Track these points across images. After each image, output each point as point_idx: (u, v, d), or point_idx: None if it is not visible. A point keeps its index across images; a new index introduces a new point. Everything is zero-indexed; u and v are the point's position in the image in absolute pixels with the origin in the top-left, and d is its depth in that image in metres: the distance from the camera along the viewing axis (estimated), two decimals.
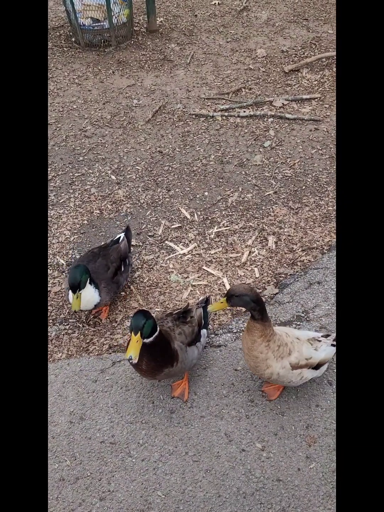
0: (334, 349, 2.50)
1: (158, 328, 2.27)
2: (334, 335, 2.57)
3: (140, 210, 3.90)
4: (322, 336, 2.53)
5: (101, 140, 4.65)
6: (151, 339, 2.23)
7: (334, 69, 5.38)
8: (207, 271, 3.38)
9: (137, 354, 2.13)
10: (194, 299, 3.19)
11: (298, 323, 3.00)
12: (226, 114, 4.86)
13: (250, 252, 3.50)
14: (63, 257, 3.55)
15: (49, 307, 3.20)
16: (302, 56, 5.72)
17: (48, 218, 3.87)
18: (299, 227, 3.67)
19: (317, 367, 2.46)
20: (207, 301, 2.80)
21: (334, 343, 2.51)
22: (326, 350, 2.46)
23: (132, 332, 2.14)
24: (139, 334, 2.14)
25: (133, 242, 3.60)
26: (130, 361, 2.16)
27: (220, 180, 4.14)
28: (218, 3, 6.91)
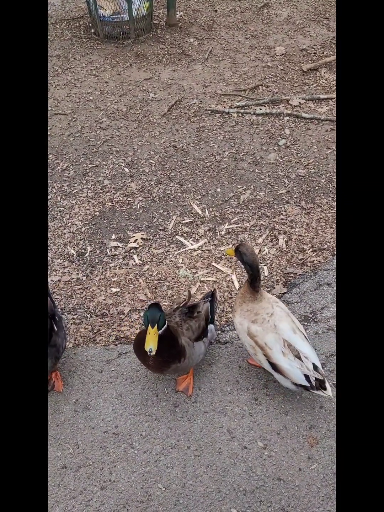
0: (288, 384, 2.41)
1: (166, 322, 2.28)
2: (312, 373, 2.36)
3: (152, 203, 3.91)
4: (310, 367, 2.36)
5: (116, 133, 4.66)
6: (160, 331, 2.24)
7: None
8: (216, 267, 3.38)
9: (156, 346, 2.15)
10: (202, 294, 3.19)
11: (306, 323, 2.99)
12: (242, 111, 4.84)
13: (260, 250, 3.49)
14: (74, 247, 3.57)
15: (58, 296, 3.22)
16: (321, 55, 5.67)
17: (61, 208, 3.89)
18: (311, 228, 3.65)
19: (274, 367, 2.40)
20: (212, 295, 2.76)
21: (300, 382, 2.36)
22: (290, 369, 2.34)
23: (150, 325, 2.16)
24: (155, 326, 2.17)
25: (144, 236, 3.62)
26: (150, 353, 2.17)
27: (233, 177, 4.13)
28: None
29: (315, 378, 2.34)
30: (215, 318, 3.04)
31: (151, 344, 2.14)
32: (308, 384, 2.34)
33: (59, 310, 3.14)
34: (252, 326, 2.41)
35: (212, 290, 2.81)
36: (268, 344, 2.38)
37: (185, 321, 2.50)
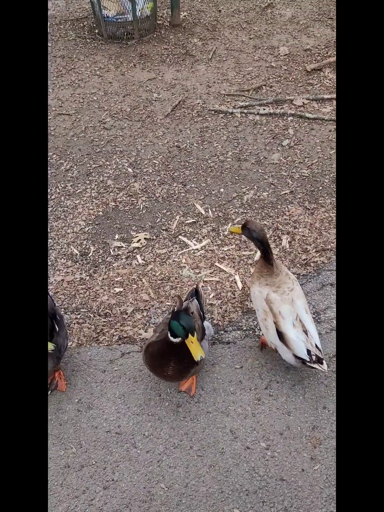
0: (288, 356, 2.50)
1: None
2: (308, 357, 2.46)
3: (155, 204, 3.91)
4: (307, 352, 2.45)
5: (119, 133, 4.66)
6: (178, 339, 2.21)
7: None
8: (219, 267, 3.38)
9: (203, 352, 2.15)
10: (205, 295, 3.19)
11: None
12: (245, 111, 4.83)
13: None
14: (77, 247, 3.58)
15: (61, 296, 3.23)
16: (325, 55, 5.66)
17: (64, 208, 3.90)
18: (314, 228, 3.64)
19: (281, 337, 2.48)
20: (196, 292, 2.70)
21: (303, 358, 2.45)
22: (296, 340, 2.44)
23: (189, 335, 2.13)
24: (195, 334, 2.15)
25: (147, 236, 3.62)
26: (201, 360, 2.17)
27: (237, 177, 4.13)
28: None
29: (316, 355, 2.44)
30: (218, 318, 3.04)
31: (199, 353, 2.13)
32: (308, 359, 2.43)
33: (62, 310, 3.15)
34: (272, 294, 2.50)
35: (195, 287, 2.75)
36: (282, 313, 2.47)
37: None
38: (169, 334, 2.24)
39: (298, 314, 2.48)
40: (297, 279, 2.68)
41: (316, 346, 2.46)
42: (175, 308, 2.49)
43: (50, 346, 2.32)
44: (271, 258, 2.49)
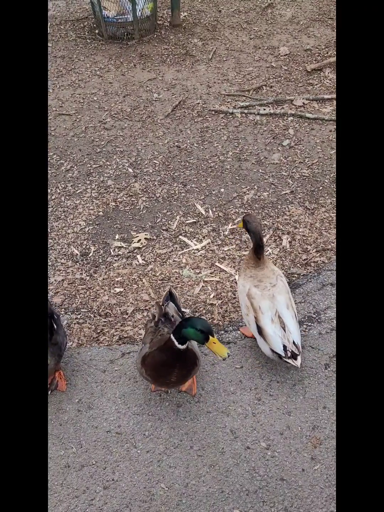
0: (266, 349, 2.59)
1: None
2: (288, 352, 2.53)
3: (156, 204, 3.91)
4: (288, 347, 2.52)
5: (120, 133, 4.67)
6: (185, 346, 2.21)
7: None
8: (220, 267, 3.38)
9: (227, 350, 2.17)
10: (205, 295, 3.20)
11: (309, 324, 2.98)
12: (245, 111, 4.83)
13: None
14: (78, 247, 3.58)
15: (61, 296, 3.23)
16: (325, 55, 5.66)
17: (64, 208, 3.90)
18: (315, 228, 3.64)
19: (260, 331, 2.57)
20: (171, 295, 2.68)
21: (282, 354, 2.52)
22: (273, 335, 2.52)
23: (210, 336, 2.12)
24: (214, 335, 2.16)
25: (148, 236, 3.62)
26: (228, 357, 2.19)
27: (237, 177, 4.13)
28: None
29: (291, 350, 2.53)
30: (218, 318, 3.04)
31: (225, 350, 2.12)
32: (283, 354, 2.52)
33: (62, 310, 3.15)
34: (253, 289, 2.60)
35: (169, 290, 2.71)
36: (261, 308, 2.56)
37: (166, 330, 2.44)
38: (176, 343, 2.18)
39: (277, 310, 2.56)
40: (283, 275, 2.75)
41: (294, 342, 2.54)
42: (155, 314, 2.52)
43: None
44: (261, 252, 2.59)
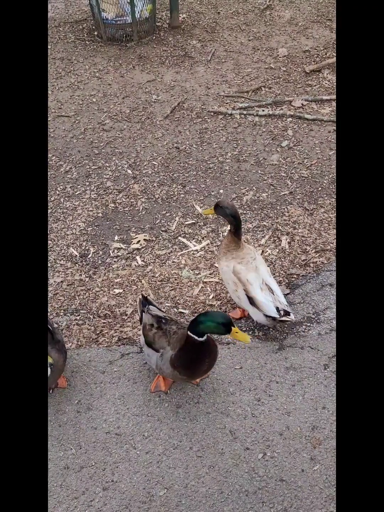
0: (260, 317, 2.78)
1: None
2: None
3: (155, 205, 3.92)
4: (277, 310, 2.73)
5: (119, 134, 4.67)
6: (204, 337, 2.29)
7: None
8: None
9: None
10: (205, 296, 3.20)
11: (308, 324, 2.98)
12: (244, 112, 4.84)
13: (263, 251, 3.49)
14: (77, 248, 3.58)
15: (61, 297, 3.23)
16: (324, 56, 5.67)
17: (64, 210, 3.91)
18: (314, 228, 3.65)
19: (251, 301, 2.76)
20: (146, 300, 2.71)
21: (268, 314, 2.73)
22: (265, 302, 2.72)
23: (232, 327, 2.22)
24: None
25: (147, 237, 3.62)
26: (251, 341, 2.42)
27: (236, 178, 4.14)
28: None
29: (284, 309, 2.73)
30: None
31: (248, 337, 2.27)
32: (277, 316, 2.72)
33: (62, 311, 3.15)
34: (238, 266, 2.79)
35: (143, 296, 2.73)
36: (249, 280, 2.76)
37: (173, 326, 2.50)
38: (196, 338, 2.27)
39: (263, 279, 2.78)
40: (258, 250, 3.00)
41: (282, 302, 2.76)
42: (153, 322, 2.56)
43: (49, 360, 2.33)
44: (240, 234, 2.79)
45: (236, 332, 2.23)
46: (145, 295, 2.76)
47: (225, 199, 2.94)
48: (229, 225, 2.79)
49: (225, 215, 2.76)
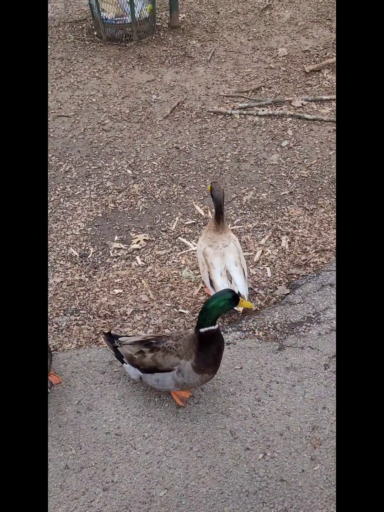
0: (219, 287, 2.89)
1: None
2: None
3: (155, 205, 3.91)
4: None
5: (118, 134, 4.67)
6: (217, 325, 2.33)
7: None
8: None
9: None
10: (205, 296, 3.19)
11: (308, 324, 2.98)
12: (244, 112, 4.84)
13: (263, 251, 3.49)
14: (77, 248, 3.58)
15: (61, 298, 3.23)
16: (324, 56, 5.67)
17: (64, 210, 3.90)
18: (314, 228, 3.65)
19: (211, 283, 2.96)
20: (110, 335, 2.64)
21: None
22: (221, 287, 2.86)
23: (240, 299, 2.33)
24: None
25: (147, 237, 3.62)
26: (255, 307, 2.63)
27: (236, 178, 4.13)
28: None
29: None
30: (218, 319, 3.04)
31: (251, 303, 2.48)
32: None
33: (62, 311, 3.15)
34: (208, 248, 2.99)
35: (104, 334, 2.69)
36: (213, 264, 2.96)
37: (171, 342, 2.44)
38: (210, 328, 2.29)
39: (226, 266, 2.95)
40: (238, 240, 3.15)
41: (238, 292, 2.87)
42: (144, 350, 2.48)
43: None
44: (221, 217, 2.96)
45: (242, 301, 2.37)
46: (106, 331, 2.69)
47: (218, 182, 3.10)
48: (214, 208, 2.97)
49: (211, 196, 2.97)
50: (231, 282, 2.93)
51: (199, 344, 2.33)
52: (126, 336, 2.68)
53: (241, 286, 2.94)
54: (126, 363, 2.53)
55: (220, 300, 2.26)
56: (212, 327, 2.29)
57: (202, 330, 2.29)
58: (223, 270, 2.95)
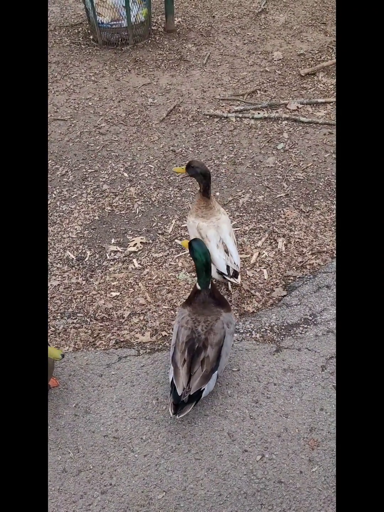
0: (213, 272, 2.86)
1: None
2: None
3: (151, 208, 3.92)
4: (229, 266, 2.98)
5: (115, 138, 4.68)
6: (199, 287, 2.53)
7: None
8: None
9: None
10: None
11: (305, 326, 2.99)
12: (240, 115, 4.86)
13: (259, 253, 3.50)
14: (73, 251, 3.58)
15: (57, 301, 3.22)
16: (318, 59, 5.71)
17: (60, 213, 3.90)
18: (310, 230, 3.66)
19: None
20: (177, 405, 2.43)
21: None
22: (219, 259, 2.96)
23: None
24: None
25: (144, 240, 3.63)
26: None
27: (232, 181, 4.15)
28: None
29: (234, 270, 2.99)
30: None
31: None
32: (226, 273, 2.97)
33: (59, 314, 3.14)
34: (201, 223, 3.03)
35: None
36: (208, 236, 2.99)
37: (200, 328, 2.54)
38: (212, 280, 2.54)
39: (221, 237, 3.00)
40: (227, 213, 3.24)
41: (234, 263, 2.99)
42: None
43: (58, 353, 2.24)
44: (209, 193, 2.99)
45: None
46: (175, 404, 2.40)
47: (197, 160, 3.17)
48: (199, 185, 2.98)
49: (196, 175, 2.94)
50: (228, 253, 2.99)
51: (203, 292, 2.53)
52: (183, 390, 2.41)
53: (235, 257, 3.02)
54: (214, 376, 2.49)
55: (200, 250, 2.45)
56: (212, 279, 2.55)
57: (197, 285, 2.53)
58: (219, 242, 2.99)
